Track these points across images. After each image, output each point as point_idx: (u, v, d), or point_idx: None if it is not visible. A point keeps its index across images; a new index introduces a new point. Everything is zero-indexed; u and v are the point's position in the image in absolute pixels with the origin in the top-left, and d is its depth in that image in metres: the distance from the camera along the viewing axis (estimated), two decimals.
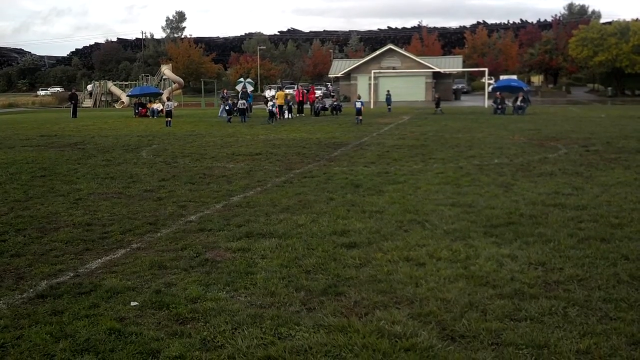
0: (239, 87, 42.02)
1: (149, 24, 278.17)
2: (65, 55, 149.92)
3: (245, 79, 43.72)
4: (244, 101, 35.25)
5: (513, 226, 8.25)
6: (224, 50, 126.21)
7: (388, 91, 46.31)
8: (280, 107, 35.65)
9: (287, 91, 41.86)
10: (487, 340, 4.74)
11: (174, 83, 64.80)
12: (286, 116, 36.24)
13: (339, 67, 71.20)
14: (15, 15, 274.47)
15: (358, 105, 31.84)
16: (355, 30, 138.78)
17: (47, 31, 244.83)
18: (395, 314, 5.25)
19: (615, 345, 4.61)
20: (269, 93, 52.98)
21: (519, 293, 5.70)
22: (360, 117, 31.30)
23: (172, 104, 33.33)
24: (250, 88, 42.19)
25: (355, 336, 4.81)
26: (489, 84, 56.14)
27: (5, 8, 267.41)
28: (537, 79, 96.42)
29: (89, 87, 70.31)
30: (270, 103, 34.11)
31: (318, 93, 46.48)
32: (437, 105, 41.03)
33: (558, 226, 8.20)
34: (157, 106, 41.47)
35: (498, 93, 39.83)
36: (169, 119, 31.64)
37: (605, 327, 4.92)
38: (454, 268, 6.47)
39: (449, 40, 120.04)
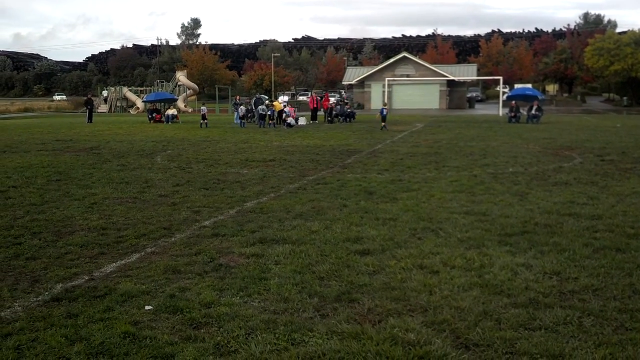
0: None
1: (167, 31, 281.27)
2: (82, 61, 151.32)
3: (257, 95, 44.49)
4: (264, 107, 35.82)
5: (528, 235, 8.21)
6: (238, 57, 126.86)
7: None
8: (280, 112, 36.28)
9: (280, 100, 43.25)
10: (501, 349, 4.72)
11: (189, 89, 65.20)
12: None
13: (352, 75, 71.31)
14: (33, 22, 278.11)
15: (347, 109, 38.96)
16: (370, 38, 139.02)
17: (71, 38, 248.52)
18: (409, 321, 5.24)
19: (631, 356, 4.57)
20: (282, 99, 53.44)
21: (534, 302, 5.67)
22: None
23: (205, 108, 36.55)
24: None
25: (368, 343, 4.80)
26: (504, 93, 56.00)
27: (26, 14, 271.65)
28: (551, 88, 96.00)
29: (104, 92, 70.82)
30: (261, 107, 35.91)
31: (332, 100, 46.44)
32: (330, 115, 39.72)
33: (573, 236, 8.16)
34: (172, 112, 41.71)
35: (513, 102, 39.70)
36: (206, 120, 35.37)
37: (620, 338, 4.88)
38: (468, 276, 6.45)
39: (464, 48, 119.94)
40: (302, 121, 36.96)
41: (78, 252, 7.57)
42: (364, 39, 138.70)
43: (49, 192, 12.02)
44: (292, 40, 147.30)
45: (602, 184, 12.71)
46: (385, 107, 33.08)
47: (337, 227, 8.75)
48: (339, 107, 40.72)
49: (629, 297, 5.81)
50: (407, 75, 65.20)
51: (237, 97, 44.20)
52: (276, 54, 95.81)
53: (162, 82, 70.76)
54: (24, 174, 14.58)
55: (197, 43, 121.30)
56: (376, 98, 65.68)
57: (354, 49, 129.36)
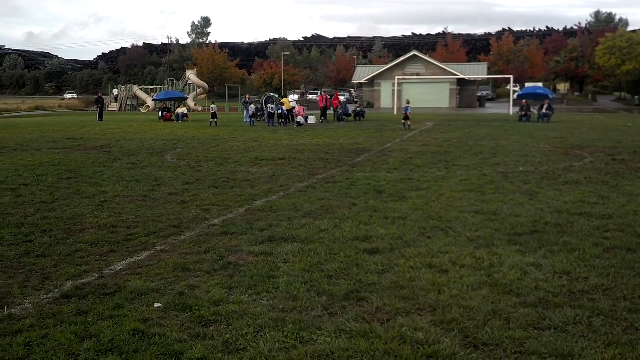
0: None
1: (177, 30, 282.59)
2: (92, 59, 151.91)
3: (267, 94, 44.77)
4: (274, 105, 35.84)
5: (538, 235, 8.18)
6: (248, 55, 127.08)
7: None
8: (290, 111, 36.38)
9: (290, 99, 43.67)
10: (510, 348, 4.70)
11: (199, 88, 65.34)
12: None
13: (362, 73, 71.22)
14: (45, 21, 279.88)
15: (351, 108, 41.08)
16: (380, 37, 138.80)
17: (83, 37, 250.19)
18: (418, 320, 5.23)
19: None
20: (292, 97, 53.56)
21: (543, 302, 5.65)
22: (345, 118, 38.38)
23: (215, 107, 36.72)
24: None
25: (377, 342, 4.80)
26: (514, 91, 55.78)
27: (38, 13, 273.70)
28: (563, 87, 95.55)
29: (115, 91, 71.11)
30: (270, 106, 35.86)
31: (342, 99, 46.41)
32: (323, 115, 38.96)
33: (583, 235, 8.11)
34: (182, 110, 41.84)
35: (524, 100, 39.53)
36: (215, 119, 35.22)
37: (630, 338, 4.86)
38: (478, 276, 6.43)
39: (474, 47, 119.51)
40: (311, 120, 36.99)
41: (88, 250, 7.61)
42: (374, 37, 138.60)
43: (59, 190, 12.08)
44: (302, 39, 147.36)
45: (613, 183, 12.64)
46: (409, 105, 33.13)
47: (346, 226, 8.75)
48: (340, 107, 40.41)
49: (639, 297, 5.78)
50: (417, 74, 65.08)
51: (247, 96, 44.28)
52: (286, 53, 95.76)
53: (173, 80, 70.97)
54: (35, 172, 14.66)
55: (207, 42, 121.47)
56: (386, 97, 65.63)
57: (363, 48, 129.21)
